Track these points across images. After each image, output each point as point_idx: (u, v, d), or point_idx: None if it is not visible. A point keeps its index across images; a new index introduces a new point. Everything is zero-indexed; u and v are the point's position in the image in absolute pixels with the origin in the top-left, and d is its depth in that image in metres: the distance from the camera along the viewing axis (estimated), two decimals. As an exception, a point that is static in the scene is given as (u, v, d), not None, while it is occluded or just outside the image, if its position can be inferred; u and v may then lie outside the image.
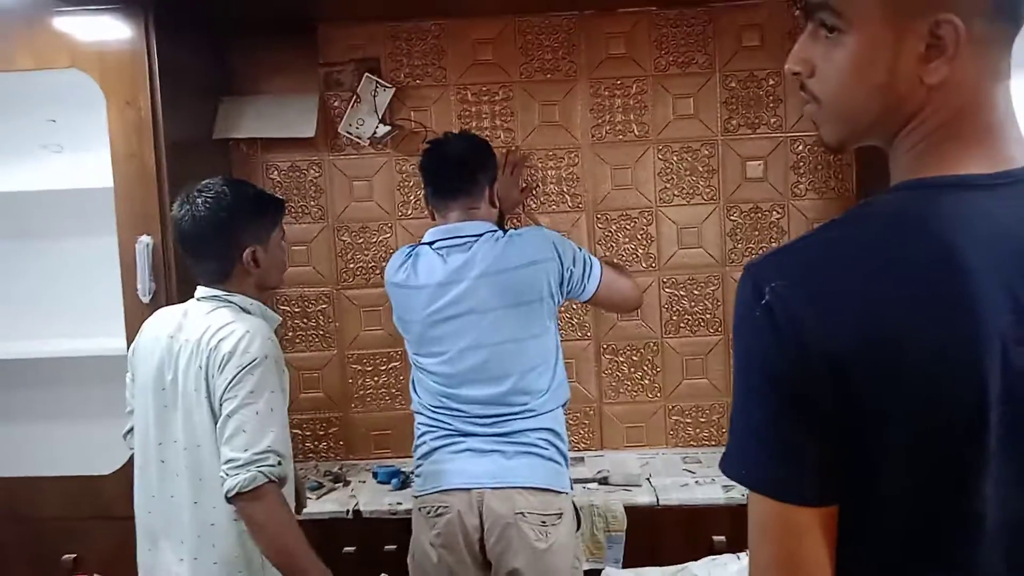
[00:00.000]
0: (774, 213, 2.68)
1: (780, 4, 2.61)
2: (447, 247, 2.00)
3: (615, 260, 2.60)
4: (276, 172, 2.73)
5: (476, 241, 1.99)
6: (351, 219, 2.74)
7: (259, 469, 1.61)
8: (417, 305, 2.01)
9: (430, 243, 2.04)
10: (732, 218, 2.69)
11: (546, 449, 1.99)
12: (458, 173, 2.07)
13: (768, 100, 2.65)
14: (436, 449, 2.00)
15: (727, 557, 1.94)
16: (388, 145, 2.70)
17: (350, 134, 2.66)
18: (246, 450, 1.62)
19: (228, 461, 1.63)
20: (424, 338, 2.02)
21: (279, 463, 1.64)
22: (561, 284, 1.99)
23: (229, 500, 1.62)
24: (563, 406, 2.06)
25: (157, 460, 1.79)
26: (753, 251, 2.69)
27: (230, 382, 1.66)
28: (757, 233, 2.69)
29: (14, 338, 2.54)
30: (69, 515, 2.34)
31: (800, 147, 2.65)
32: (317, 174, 2.73)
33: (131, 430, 1.88)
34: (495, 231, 2.03)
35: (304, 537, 1.69)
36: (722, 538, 2.25)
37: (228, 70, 2.70)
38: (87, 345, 2.42)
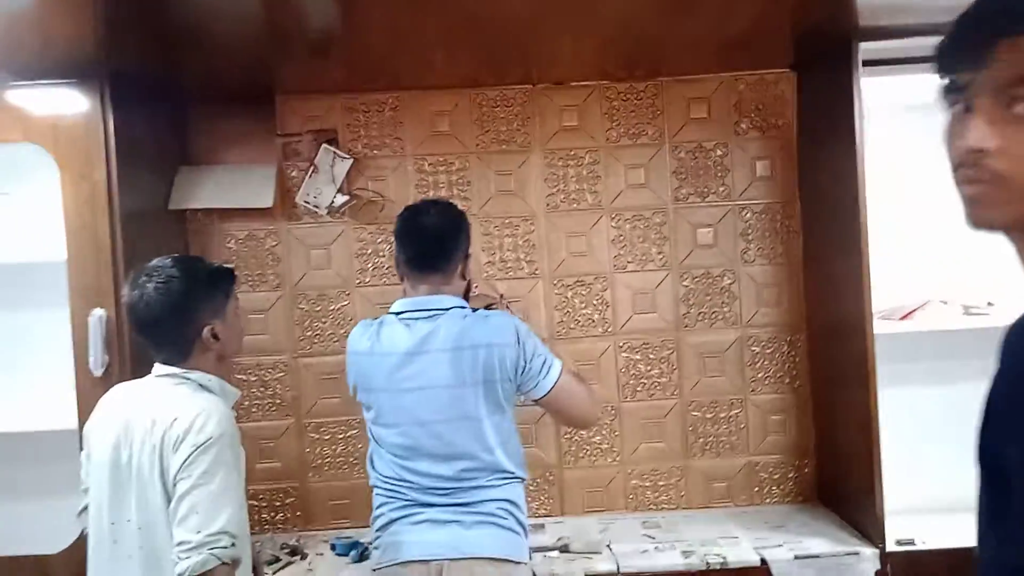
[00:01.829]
0: (725, 278, 2.75)
1: (726, 78, 2.72)
2: (413, 318, 2.02)
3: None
4: (233, 241, 2.74)
5: (443, 315, 2.00)
6: (309, 287, 2.74)
7: (211, 551, 1.58)
8: (380, 373, 2.00)
9: (396, 313, 2.05)
10: (685, 283, 2.75)
11: (505, 519, 1.98)
12: (433, 250, 2.06)
13: (716, 170, 2.74)
14: (394, 520, 1.98)
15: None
16: (346, 214, 2.72)
17: (308, 204, 2.68)
18: (198, 532, 1.60)
19: (180, 543, 1.60)
20: (385, 408, 2.01)
21: (232, 544, 1.61)
22: (516, 372, 1.97)
23: None
24: (522, 483, 2.05)
25: (110, 540, 1.74)
26: (706, 315, 2.75)
27: (184, 461, 1.64)
28: (709, 298, 2.75)
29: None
30: (15, 597, 2.27)
31: (748, 215, 2.74)
32: (275, 243, 2.74)
33: (85, 508, 1.83)
34: (463, 307, 2.04)
35: None
36: (683, 604, 2.26)
37: (185, 140, 2.71)
38: (37, 421, 2.37)
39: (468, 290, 2.14)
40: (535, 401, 2.04)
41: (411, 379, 1.97)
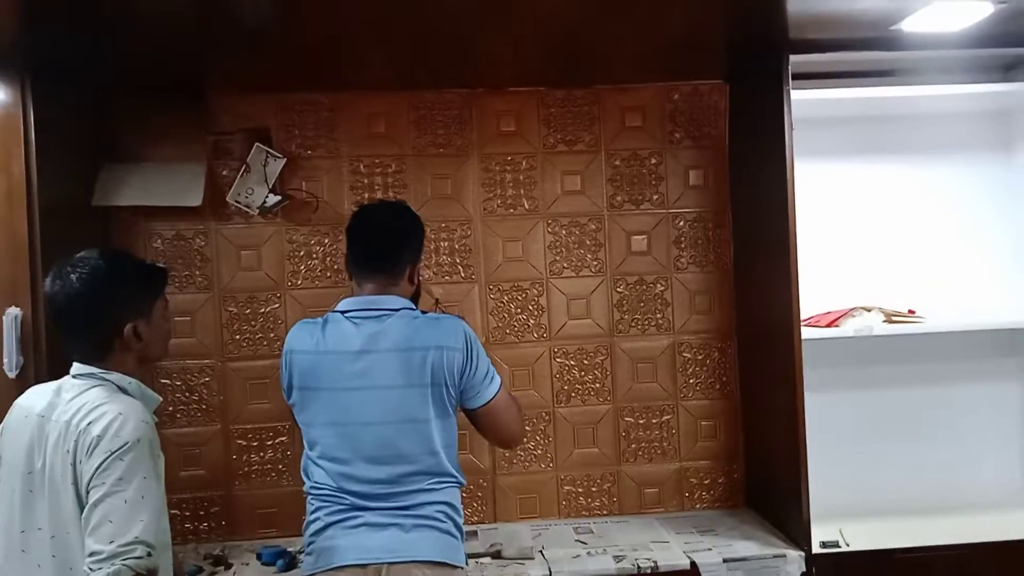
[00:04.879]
0: (658, 285, 2.78)
1: (660, 88, 2.77)
2: (361, 317, 1.98)
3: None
4: (159, 241, 2.66)
5: (392, 316, 1.97)
6: (238, 289, 2.68)
7: (124, 562, 1.51)
8: (325, 372, 1.95)
9: (343, 312, 2.01)
10: (619, 290, 2.78)
11: (444, 522, 1.95)
12: (383, 251, 2.03)
13: (651, 178, 2.78)
14: (330, 525, 1.93)
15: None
16: (278, 215, 2.67)
17: (239, 203, 2.62)
18: (111, 542, 1.52)
19: (92, 553, 1.52)
20: (326, 408, 1.95)
21: (148, 555, 1.54)
22: (461, 377, 1.95)
23: None
24: (460, 487, 2.03)
25: (20, 549, 1.66)
26: (639, 322, 2.78)
27: (98, 468, 1.56)
28: (643, 304, 2.78)
29: None
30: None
31: (681, 223, 2.78)
32: (203, 243, 2.67)
33: (-3, 516, 1.74)
34: (412, 309, 2.01)
35: None
36: (614, 609, 2.27)
37: (111, 135, 2.62)
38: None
39: (418, 295, 2.11)
40: (469, 412, 2.02)
41: (358, 378, 1.93)
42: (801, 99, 2.41)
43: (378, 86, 2.67)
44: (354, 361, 1.94)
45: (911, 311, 2.70)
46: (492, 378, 2.01)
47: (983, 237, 2.83)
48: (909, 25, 2.21)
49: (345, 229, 2.08)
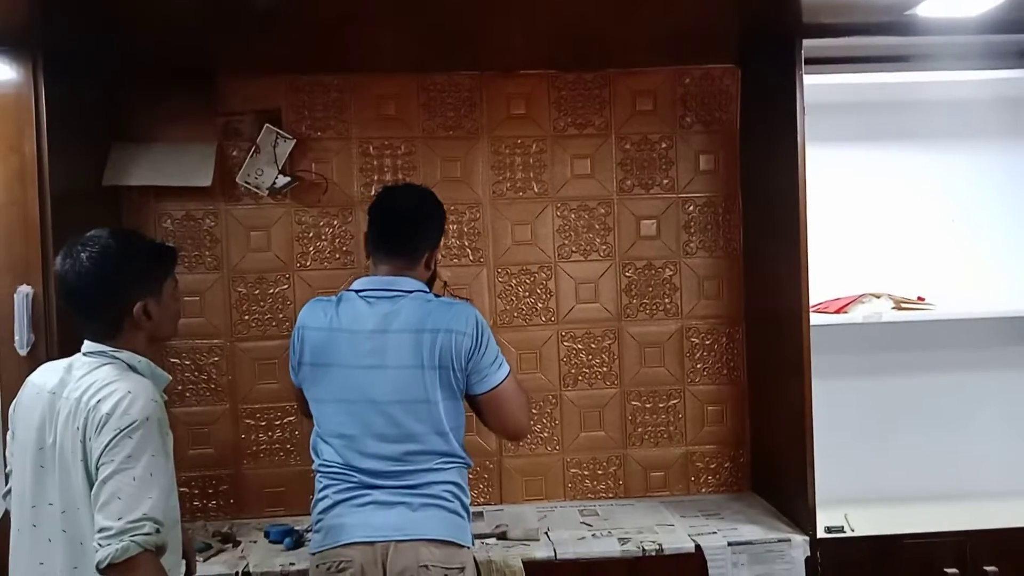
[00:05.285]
0: (667, 270, 2.78)
1: (672, 72, 2.75)
2: (375, 296, 1.99)
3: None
4: (169, 221, 2.66)
5: (405, 297, 1.98)
6: (247, 270, 2.69)
7: (132, 539, 1.53)
8: (338, 349, 1.96)
9: (357, 291, 2.02)
10: (627, 274, 2.77)
11: (451, 502, 1.97)
12: (403, 236, 2.04)
13: (661, 162, 2.76)
14: (339, 503, 1.95)
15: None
16: (287, 196, 2.67)
17: (248, 184, 2.62)
18: (120, 518, 1.54)
19: (101, 530, 1.54)
20: (337, 384, 1.97)
21: (156, 531, 1.56)
22: (467, 361, 1.96)
23: (101, 571, 1.53)
24: (467, 468, 2.05)
25: (31, 523, 1.69)
26: (648, 306, 2.77)
27: (107, 445, 1.58)
28: (651, 289, 2.78)
29: None
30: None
31: (691, 207, 2.78)
32: (212, 224, 2.68)
33: (10, 490, 1.76)
34: (426, 292, 2.03)
35: None
36: (619, 591, 2.29)
37: (122, 116, 2.62)
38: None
39: (433, 280, 2.12)
40: (476, 398, 2.02)
41: (371, 356, 1.94)
42: (814, 84, 2.39)
43: (388, 68, 2.66)
44: (366, 340, 1.95)
45: (921, 298, 2.69)
46: (500, 364, 2.01)
47: (995, 224, 2.82)
48: (925, 10, 2.19)
49: (368, 208, 2.09)
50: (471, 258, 2.73)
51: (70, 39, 2.23)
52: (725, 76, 2.77)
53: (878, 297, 2.65)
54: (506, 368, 2.03)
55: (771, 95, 2.48)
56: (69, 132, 2.30)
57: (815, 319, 2.43)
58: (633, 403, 2.79)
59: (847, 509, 2.56)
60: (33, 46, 2.19)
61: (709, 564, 2.33)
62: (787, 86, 2.35)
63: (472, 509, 2.08)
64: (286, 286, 2.69)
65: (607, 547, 2.35)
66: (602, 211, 2.76)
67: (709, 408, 2.81)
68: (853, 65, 2.60)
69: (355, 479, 1.95)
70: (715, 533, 2.42)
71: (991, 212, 2.81)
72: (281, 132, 2.62)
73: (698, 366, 2.80)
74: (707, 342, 2.80)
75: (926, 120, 2.77)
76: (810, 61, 2.35)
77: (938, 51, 2.57)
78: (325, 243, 2.69)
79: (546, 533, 2.46)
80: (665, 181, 2.77)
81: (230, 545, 2.44)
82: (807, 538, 2.38)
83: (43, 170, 2.19)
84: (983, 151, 2.81)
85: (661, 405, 2.80)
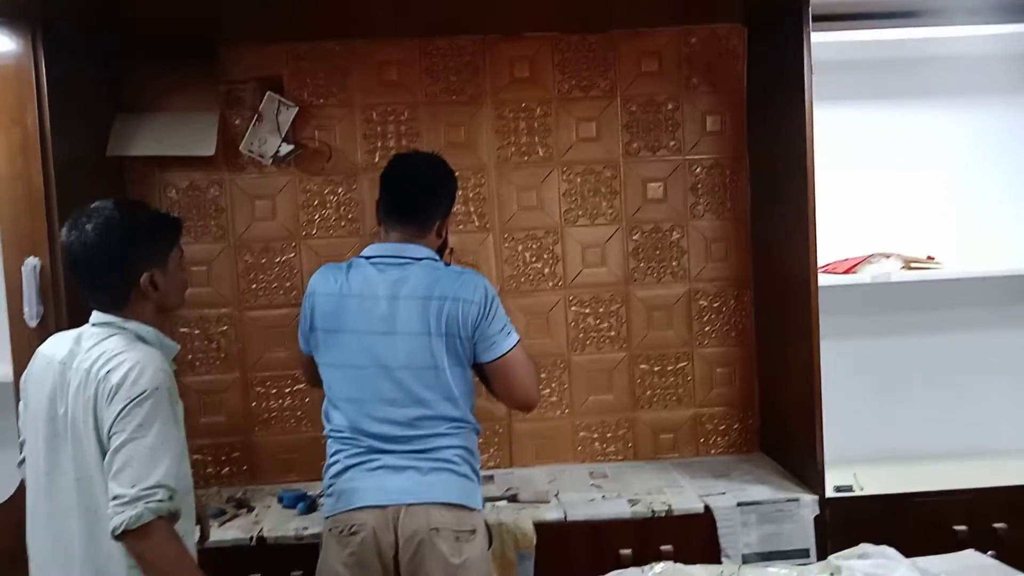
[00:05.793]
0: (674, 233, 2.77)
1: (677, 32, 2.71)
2: (385, 263, 2.00)
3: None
4: (174, 191, 2.66)
5: (414, 264, 1.99)
6: (253, 239, 2.69)
7: (146, 505, 1.55)
8: (348, 314, 1.98)
9: (367, 257, 2.02)
10: (634, 238, 2.76)
11: (460, 465, 1.99)
12: (415, 204, 2.04)
13: (667, 124, 2.74)
14: (350, 467, 1.97)
15: (633, 571, 1.97)
16: (291, 164, 2.66)
17: (252, 153, 2.61)
18: (133, 486, 1.56)
19: (115, 498, 1.56)
20: (347, 349, 1.98)
21: (169, 497, 1.58)
22: (474, 330, 1.97)
23: (116, 538, 1.56)
24: (477, 432, 2.06)
25: (46, 492, 1.71)
26: (655, 269, 2.77)
27: (118, 415, 1.59)
28: (658, 252, 2.77)
29: None
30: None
31: (698, 170, 2.75)
32: (217, 193, 2.67)
33: (24, 459, 1.79)
34: (436, 260, 2.03)
35: (199, 573, 1.64)
36: (628, 551, 2.30)
37: (124, 87, 2.61)
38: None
39: (444, 248, 2.12)
40: (485, 366, 2.02)
41: (380, 322, 1.95)
42: (821, 42, 2.35)
43: (390, 33, 2.64)
44: (378, 306, 1.96)
45: (930, 257, 2.67)
46: (509, 333, 2.02)
47: (1005, 182, 2.79)
48: (934, -37, 2.15)
49: (380, 175, 2.08)
50: (477, 224, 2.73)
51: (70, 9, 2.21)
52: (731, 35, 2.73)
53: (887, 256, 2.63)
54: (515, 337, 2.03)
55: (778, 54, 2.45)
56: (71, 103, 2.29)
57: (823, 280, 2.42)
58: (642, 366, 2.80)
59: (856, 468, 2.57)
60: (32, 17, 2.18)
61: (719, 524, 2.35)
62: (794, 45, 2.32)
63: (483, 472, 2.10)
64: (293, 254, 2.69)
65: (617, 508, 2.37)
66: (608, 174, 2.74)
67: (718, 370, 2.81)
68: (861, 21, 2.56)
69: (365, 444, 1.97)
70: (724, 494, 2.43)
71: (1001, 170, 2.78)
72: (284, 100, 2.61)
73: (706, 329, 2.80)
74: (715, 304, 2.80)
75: (935, 77, 2.74)
76: (817, 18, 2.31)
77: (948, 6, 2.52)
78: (330, 211, 2.69)
79: (556, 495, 2.48)
80: (672, 143, 2.75)
81: (244, 511, 2.47)
82: (816, 497, 2.39)
83: (46, 142, 2.19)
84: (993, 108, 2.77)
85: (670, 368, 2.80)
